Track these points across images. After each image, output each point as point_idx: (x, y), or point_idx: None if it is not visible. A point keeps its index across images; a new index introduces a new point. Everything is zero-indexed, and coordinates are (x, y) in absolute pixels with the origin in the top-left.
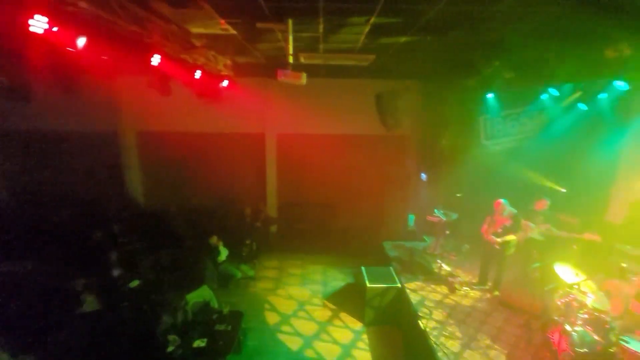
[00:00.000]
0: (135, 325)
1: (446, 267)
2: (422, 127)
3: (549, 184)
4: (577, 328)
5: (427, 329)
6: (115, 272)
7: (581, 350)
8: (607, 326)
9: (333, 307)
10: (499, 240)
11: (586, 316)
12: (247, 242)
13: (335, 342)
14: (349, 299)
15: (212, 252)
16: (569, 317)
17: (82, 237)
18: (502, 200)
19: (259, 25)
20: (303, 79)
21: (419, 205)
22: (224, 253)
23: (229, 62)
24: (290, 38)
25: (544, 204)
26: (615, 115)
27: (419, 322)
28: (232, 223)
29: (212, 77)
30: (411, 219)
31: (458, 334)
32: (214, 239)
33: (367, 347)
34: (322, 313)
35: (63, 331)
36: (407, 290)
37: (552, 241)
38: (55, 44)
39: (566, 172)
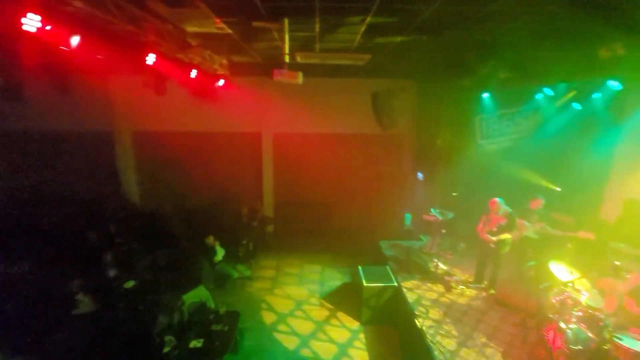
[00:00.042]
0: (131, 325)
1: (442, 266)
2: (418, 126)
3: (543, 183)
4: (572, 325)
5: (424, 328)
6: (111, 273)
7: (575, 348)
8: (600, 323)
9: (330, 306)
10: (494, 238)
11: (580, 314)
12: (244, 242)
13: (332, 341)
14: (345, 298)
15: (209, 252)
16: (563, 315)
17: (78, 238)
18: (497, 199)
19: (255, 24)
20: (299, 78)
21: (416, 205)
22: (220, 253)
23: (224, 61)
24: (287, 37)
25: (539, 203)
26: (609, 114)
27: (416, 320)
28: (229, 223)
29: (208, 76)
30: (408, 218)
31: (454, 332)
32: (210, 239)
33: (363, 347)
34: (319, 312)
35: (59, 332)
36: (404, 289)
37: (547, 240)
38: (48, 43)
39: (561, 171)
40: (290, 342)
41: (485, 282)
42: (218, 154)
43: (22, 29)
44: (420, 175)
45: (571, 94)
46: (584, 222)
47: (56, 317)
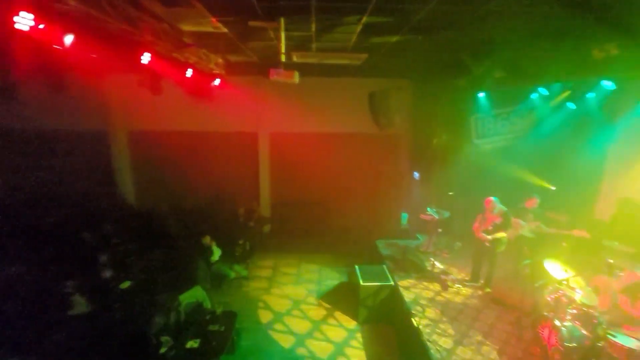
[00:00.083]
0: (127, 326)
1: (439, 265)
2: (415, 126)
3: (539, 182)
4: (566, 323)
5: (420, 327)
6: (107, 273)
7: (570, 345)
8: (595, 321)
9: (327, 306)
10: (489, 237)
11: (575, 311)
12: (241, 241)
13: (328, 340)
14: (343, 298)
15: (205, 252)
16: (558, 313)
17: (73, 238)
18: (492, 198)
19: (251, 23)
20: (296, 77)
21: (412, 204)
22: (217, 253)
23: (220, 60)
24: (283, 37)
25: (534, 202)
26: (602, 114)
27: (412, 319)
28: (225, 223)
29: (204, 75)
30: (404, 217)
31: (451, 331)
32: (207, 239)
33: (361, 346)
34: (316, 312)
35: (55, 333)
36: (401, 288)
37: (542, 238)
38: (42, 42)
39: (555, 170)
40: (287, 342)
41: (482, 281)
42: (214, 154)
43: (14, 28)
44: (416, 175)
45: (566, 94)
46: (579, 221)
47: (52, 318)
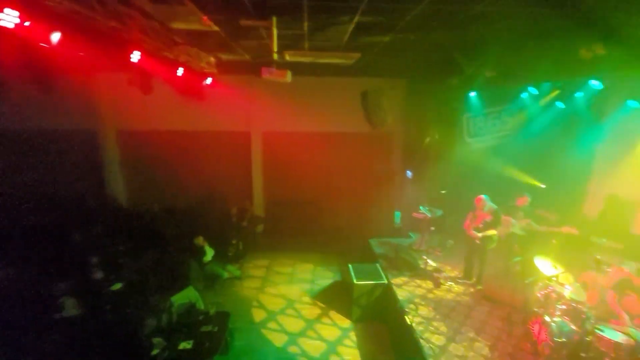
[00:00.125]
0: (119, 328)
1: (432, 263)
2: (407, 125)
3: (529, 180)
4: (556, 319)
5: (413, 324)
6: (98, 275)
7: (560, 340)
8: (583, 316)
9: (322, 305)
10: (479, 235)
11: (564, 307)
12: (234, 241)
13: (322, 339)
14: (337, 297)
15: (198, 253)
16: (548, 309)
17: (62, 240)
18: (482, 196)
19: (242, 22)
20: (288, 76)
21: (405, 202)
22: (209, 253)
23: (212, 59)
24: (275, 35)
25: (525, 200)
26: (590, 113)
27: (405, 317)
28: (218, 223)
29: (195, 74)
30: (397, 215)
31: (443, 328)
32: (199, 239)
33: (354, 345)
34: (310, 311)
35: (45, 336)
36: (394, 287)
37: (532, 236)
38: (28, 40)
39: (545, 168)
40: (280, 341)
41: (474, 278)
42: (206, 153)
43: None
44: (409, 173)
45: (555, 93)
46: (568, 218)
47: (42, 321)
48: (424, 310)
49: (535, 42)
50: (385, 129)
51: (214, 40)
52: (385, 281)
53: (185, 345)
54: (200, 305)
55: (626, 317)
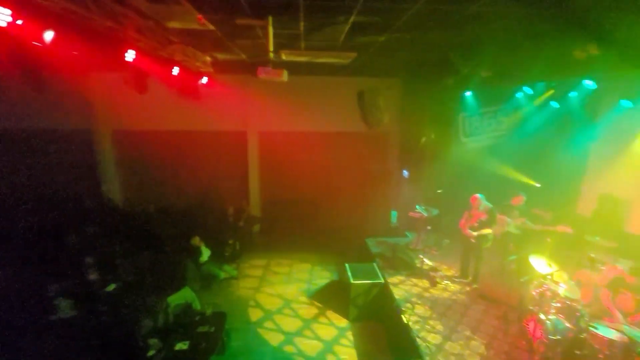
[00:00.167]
0: (114, 330)
1: (428, 262)
2: (404, 124)
3: (524, 179)
4: (551, 316)
5: (410, 323)
6: (93, 276)
7: (554, 337)
8: (577, 314)
9: (319, 304)
10: (475, 234)
11: (559, 305)
12: (230, 241)
13: (318, 338)
14: (334, 296)
15: (194, 253)
16: (543, 307)
17: (57, 240)
18: (478, 195)
19: (238, 21)
20: (284, 76)
21: (401, 202)
22: (206, 253)
23: (208, 58)
24: (271, 35)
25: (520, 199)
26: (584, 112)
27: (402, 316)
28: (215, 223)
29: (191, 74)
30: (394, 215)
31: (439, 326)
32: (196, 240)
33: (351, 344)
34: (307, 311)
35: (39, 338)
36: (390, 286)
37: (527, 234)
38: (20, 38)
39: (540, 167)
40: (277, 340)
41: (470, 277)
42: (203, 153)
43: None
44: (405, 173)
45: (549, 93)
46: (562, 217)
47: (36, 323)
48: (420, 309)
49: (531, 43)
50: (381, 129)
51: (210, 39)
52: (382, 280)
53: (182, 345)
54: (197, 306)
55: (619, 314)
